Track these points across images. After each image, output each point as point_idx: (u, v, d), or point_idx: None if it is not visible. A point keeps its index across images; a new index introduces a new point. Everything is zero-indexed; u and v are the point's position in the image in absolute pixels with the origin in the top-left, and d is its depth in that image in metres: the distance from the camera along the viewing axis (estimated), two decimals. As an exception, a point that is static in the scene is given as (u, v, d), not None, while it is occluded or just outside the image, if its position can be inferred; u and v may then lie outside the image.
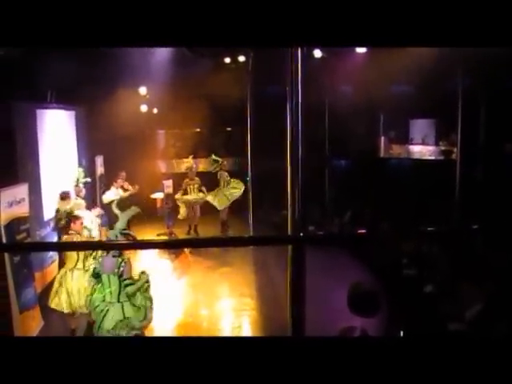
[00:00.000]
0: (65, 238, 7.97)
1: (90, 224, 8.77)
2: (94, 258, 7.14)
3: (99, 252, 6.65)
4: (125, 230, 6.86)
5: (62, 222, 7.96)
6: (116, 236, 6.76)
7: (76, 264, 7.57)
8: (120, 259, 6.28)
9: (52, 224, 9.61)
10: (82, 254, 7.29)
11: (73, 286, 7.56)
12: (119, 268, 6.29)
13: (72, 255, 7.51)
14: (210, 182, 14.02)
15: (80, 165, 11.46)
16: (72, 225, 7.74)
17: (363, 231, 10.75)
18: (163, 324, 8.53)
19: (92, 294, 6.52)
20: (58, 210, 8.17)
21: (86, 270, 7.43)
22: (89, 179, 9.98)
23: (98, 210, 10.78)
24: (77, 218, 7.91)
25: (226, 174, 13.92)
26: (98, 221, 10.06)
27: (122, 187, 12.37)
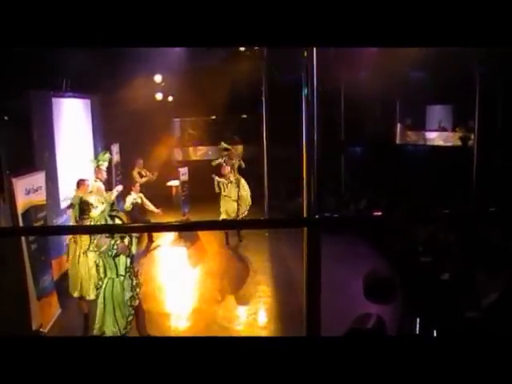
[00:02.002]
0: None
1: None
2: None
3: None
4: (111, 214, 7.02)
5: (75, 211, 7.93)
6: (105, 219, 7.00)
7: (88, 248, 7.63)
8: (113, 241, 6.43)
9: (68, 211, 9.62)
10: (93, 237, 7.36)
11: (86, 270, 7.65)
12: (113, 249, 6.42)
13: (84, 239, 7.58)
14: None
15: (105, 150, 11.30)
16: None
17: (379, 214, 10.66)
18: (179, 310, 8.61)
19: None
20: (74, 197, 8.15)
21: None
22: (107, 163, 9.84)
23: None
24: (90, 205, 7.94)
25: (236, 161, 12.82)
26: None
27: (140, 173, 12.39)
